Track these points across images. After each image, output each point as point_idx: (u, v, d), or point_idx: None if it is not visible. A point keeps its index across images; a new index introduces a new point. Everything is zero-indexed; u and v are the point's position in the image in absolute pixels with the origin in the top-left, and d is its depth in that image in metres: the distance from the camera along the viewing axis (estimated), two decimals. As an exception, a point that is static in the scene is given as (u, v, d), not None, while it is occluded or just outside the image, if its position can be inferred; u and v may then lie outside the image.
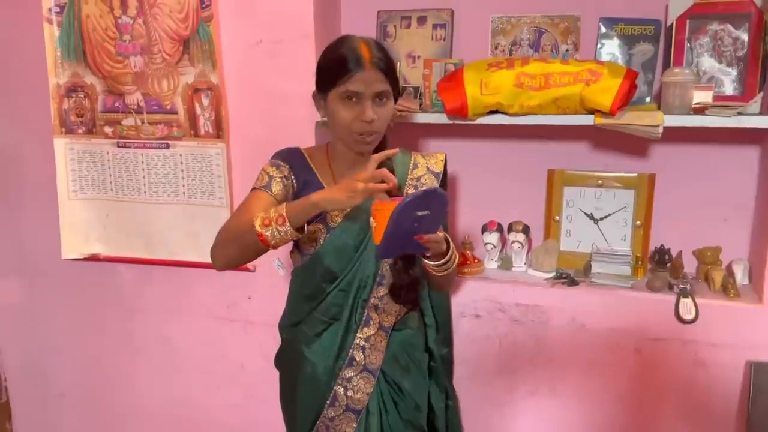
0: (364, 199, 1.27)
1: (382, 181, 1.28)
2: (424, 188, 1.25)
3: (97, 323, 2.33)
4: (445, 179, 1.62)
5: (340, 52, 1.40)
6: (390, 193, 1.32)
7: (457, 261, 1.45)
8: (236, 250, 1.41)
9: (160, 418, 2.34)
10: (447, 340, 1.86)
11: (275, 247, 1.35)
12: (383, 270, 1.52)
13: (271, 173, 1.49)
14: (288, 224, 1.31)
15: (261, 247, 1.35)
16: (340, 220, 1.49)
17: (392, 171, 1.49)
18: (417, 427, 1.61)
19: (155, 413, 2.34)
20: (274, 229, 1.31)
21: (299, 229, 1.34)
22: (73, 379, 2.42)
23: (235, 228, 1.40)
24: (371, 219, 1.28)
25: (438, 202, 1.23)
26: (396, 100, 1.48)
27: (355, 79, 1.36)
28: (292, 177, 1.50)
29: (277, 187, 1.47)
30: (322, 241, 1.49)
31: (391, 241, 1.23)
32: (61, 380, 2.43)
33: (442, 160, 1.61)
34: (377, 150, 1.48)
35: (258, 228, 1.32)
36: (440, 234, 1.33)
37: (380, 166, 1.49)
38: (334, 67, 1.39)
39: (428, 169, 1.58)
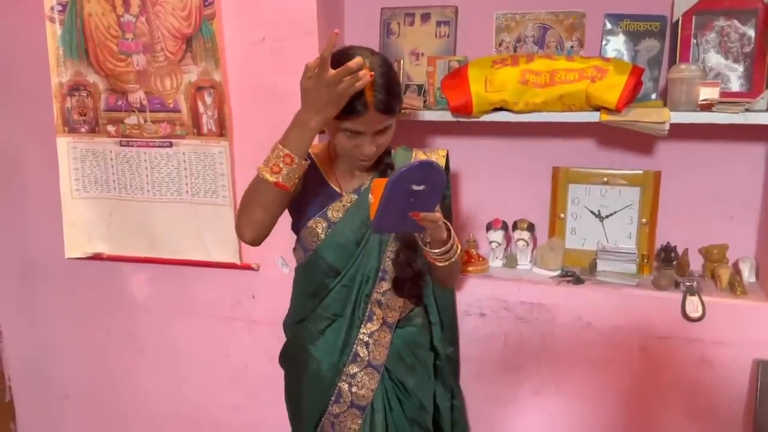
0: (338, 83, 1.24)
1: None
2: (420, 159, 1.22)
3: (100, 322, 2.32)
4: (447, 175, 1.61)
5: None
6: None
7: (459, 251, 1.44)
8: (259, 210, 1.38)
9: (163, 418, 2.34)
10: (452, 339, 1.85)
11: (293, 187, 1.34)
12: (385, 265, 1.51)
13: None
14: (296, 158, 1.31)
15: (282, 194, 1.35)
16: (341, 215, 1.49)
17: (392, 167, 1.49)
18: (422, 426, 1.61)
19: (159, 413, 2.34)
20: (286, 171, 1.32)
21: (306, 158, 1.34)
22: (77, 379, 2.41)
23: (249, 193, 1.39)
24: (370, 195, 1.27)
25: (434, 177, 1.21)
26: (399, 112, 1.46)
27: (357, 122, 1.34)
28: None
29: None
30: (323, 236, 1.49)
31: (385, 212, 1.22)
32: (65, 380, 2.43)
33: (443, 156, 1.60)
34: (379, 160, 1.48)
35: (271, 178, 1.32)
36: (438, 215, 1.31)
37: (383, 167, 1.49)
38: None
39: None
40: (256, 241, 1.43)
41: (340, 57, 1.29)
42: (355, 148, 1.39)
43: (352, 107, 1.32)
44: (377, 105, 1.33)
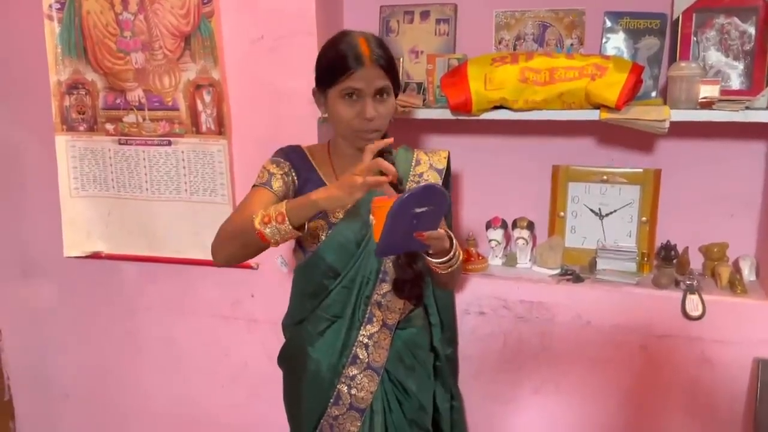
0: (364, 194, 1.25)
1: (382, 173, 1.25)
2: (422, 184, 1.22)
3: (99, 321, 2.32)
4: (448, 176, 1.61)
5: (339, 49, 1.38)
6: (393, 186, 1.30)
7: (461, 258, 1.44)
8: (236, 247, 1.40)
9: (162, 417, 2.33)
10: (451, 340, 1.84)
11: (275, 245, 1.33)
12: (386, 266, 1.51)
13: (271, 170, 1.48)
14: (287, 222, 1.29)
15: (261, 244, 1.34)
16: (341, 216, 1.48)
17: (393, 164, 1.48)
18: (422, 428, 1.60)
19: (158, 412, 2.33)
20: (274, 227, 1.30)
21: (299, 228, 1.33)
22: (76, 377, 2.41)
23: (235, 225, 1.39)
24: (371, 216, 1.27)
25: (437, 198, 1.20)
26: (397, 95, 1.46)
27: (355, 77, 1.35)
28: (293, 174, 1.50)
29: (277, 184, 1.46)
30: (323, 237, 1.48)
31: (389, 238, 1.21)
32: (64, 378, 2.43)
33: (445, 157, 1.59)
34: (379, 154, 1.47)
35: (258, 226, 1.31)
36: (441, 231, 1.31)
37: (382, 155, 1.48)
38: (334, 64, 1.38)
39: (431, 165, 1.57)
40: (225, 265, 1.48)
41: (332, 40, 1.34)
42: (357, 116, 1.39)
43: (347, 64, 1.34)
44: (372, 57, 1.35)
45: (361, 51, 1.35)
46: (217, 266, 1.48)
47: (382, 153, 1.48)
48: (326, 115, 1.47)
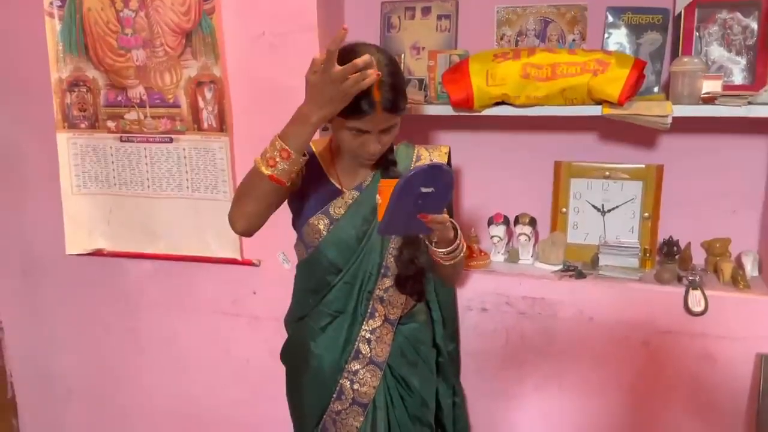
0: (344, 80, 1.20)
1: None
2: (429, 163, 1.20)
3: (101, 318, 2.32)
4: None
5: None
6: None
7: (464, 251, 1.43)
8: (253, 202, 1.36)
9: (165, 414, 2.34)
10: (453, 336, 1.85)
11: (288, 182, 1.31)
12: (387, 261, 1.51)
13: None
14: (293, 153, 1.28)
15: (276, 188, 1.32)
16: (343, 212, 1.48)
17: (395, 163, 1.49)
18: (424, 423, 1.60)
19: (160, 408, 2.34)
20: (282, 165, 1.28)
21: (305, 153, 1.31)
22: (78, 375, 2.42)
23: (244, 185, 1.37)
24: (377, 196, 1.25)
25: (443, 179, 1.19)
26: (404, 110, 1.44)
27: (364, 121, 1.32)
28: None
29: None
30: (325, 233, 1.48)
31: (393, 216, 1.20)
32: (66, 376, 2.43)
33: (446, 153, 1.59)
34: (382, 157, 1.47)
35: (267, 171, 1.29)
36: (446, 216, 1.30)
37: (385, 163, 1.48)
38: None
39: (432, 161, 1.57)
40: (246, 233, 1.42)
41: (346, 54, 1.26)
42: (360, 147, 1.38)
43: (358, 106, 1.29)
44: (384, 104, 1.30)
45: (373, 97, 1.29)
46: (239, 233, 1.42)
47: (386, 161, 1.49)
48: (329, 126, 1.45)
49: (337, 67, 1.20)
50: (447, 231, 1.33)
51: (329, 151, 1.53)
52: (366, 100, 1.29)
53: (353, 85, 1.21)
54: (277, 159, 1.28)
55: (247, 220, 1.39)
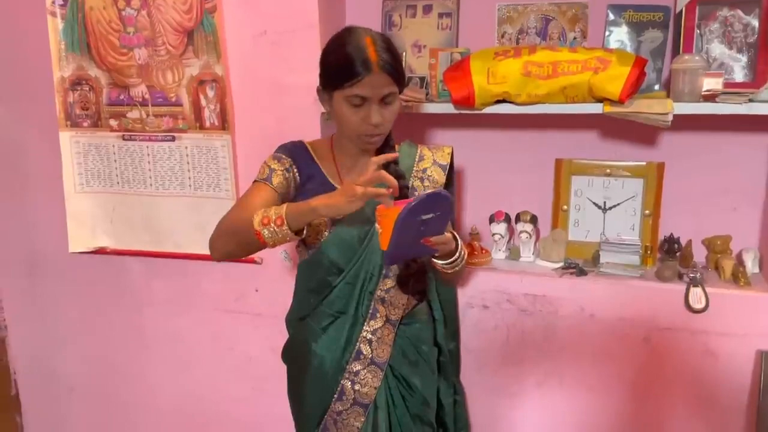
0: (363, 204, 1.25)
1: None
2: (426, 192, 1.22)
3: (104, 316, 2.33)
4: (451, 172, 1.61)
5: (345, 53, 1.34)
6: (400, 192, 1.30)
7: (465, 257, 1.44)
8: (234, 244, 1.40)
9: (167, 411, 2.35)
10: (454, 335, 1.85)
11: (272, 246, 1.34)
12: None
13: (272, 166, 1.47)
14: (286, 226, 1.29)
15: (258, 244, 1.34)
16: None
17: (397, 162, 1.49)
18: (425, 422, 1.61)
19: (163, 406, 2.35)
20: (273, 229, 1.30)
21: (298, 232, 1.33)
22: (81, 372, 2.42)
23: (234, 223, 1.39)
24: (377, 225, 1.26)
25: (442, 203, 1.21)
26: (401, 92, 1.46)
27: (362, 84, 1.33)
28: (294, 170, 1.49)
29: (277, 180, 1.45)
30: (326, 233, 1.48)
31: (398, 247, 1.22)
32: (70, 373, 2.44)
33: (448, 153, 1.59)
34: (382, 145, 1.47)
35: (256, 227, 1.31)
36: (448, 235, 1.31)
37: (385, 163, 1.48)
38: (340, 68, 1.35)
39: (434, 161, 1.57)
40: (222, 261, 1.49)
41: (338, 39, 1.31)
42: (362, 121, 1.37)
43: (354, 70, 1.31)
44: (380, 63, 1.31)
45: (368, 56, 1.31)
46: (215, 260, 1.48)
47: (383, 149, 1.49)
48: (330, 113, 1.47)
49: (364, 194, 1.23)
50: (449, 245, 1.34)
51: (330, 151, 1.53)
52: (362, 62, 1.31)
53: (365, 197, 1.24)
54: (271, 222, 1.30)
55: (224, 255, 1.45)
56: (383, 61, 1.32)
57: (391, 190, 1.25)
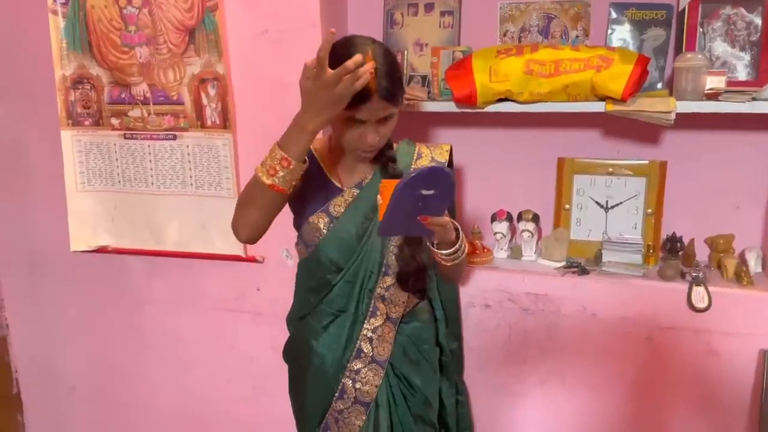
0: (338, 83, 1.19)
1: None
2: (429, 165, 1.19)
3: (105, 315, 2.33)
4: (451, 170, 1.60)
5: None
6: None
7: (466, 251, 1.43)
8: (255, 211, 1.37)
9: (168, 410, 2.35)
10: (456, 334, 1.85)
11: (290, 189, 1.32)
12: (388, 259, 1.50)
13: None
14: (293, 161, 1.28)
15: (279, 196, 1.32)
16: (343, 210, 1.47)
17: (394, 160, 1.48)
18: (427, 422, 1.60)
19: (164, 405, 2.35)
20: (282, 174, 1.29)
21: (305, 160, 1.31)
22: (82, 371, 2.43)
23: (246, 195, 1.38)
24: (378, 196, 1.25)
25: (444, 181, 1.19)
26: (401, 102, 1.43)
27: (360, 109, 1.31)
28: None
29: None
30: (325, 231, 1.48)
31: (393, 217, 1.20)
32: (71, 372, 2.44)
33: (447, 151, 1.58)
34: (381, 153, 1.46)
35: (267, 181, 1.29)
36: (446, 219, 1.29)
37: (385, 160, 1.48)
38: None
39: (433, 159, 1.56)
40: (251, 241, 1.43)
41: (340, 48, 1.26)
42: (358, 138, 1.37)
43: (354, 95, 1.28)
44: (381, 92, 1.30)
45: (369, 86, 1.27)
46: (243, 242, 1.44)
47: (386, 158, 1.48)
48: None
49: (329, 72, 1.18)
50: (448, 233, 1.33)
51: (328, 149, 1.53)
52: (362, 88, 1.28)
53: (347, 87, 1.20)
54: (278, 168, 1.28)
55: (250, 230, 1.40)
56: (384, 90, 1.30)
57: (365, 67, 1.20)
